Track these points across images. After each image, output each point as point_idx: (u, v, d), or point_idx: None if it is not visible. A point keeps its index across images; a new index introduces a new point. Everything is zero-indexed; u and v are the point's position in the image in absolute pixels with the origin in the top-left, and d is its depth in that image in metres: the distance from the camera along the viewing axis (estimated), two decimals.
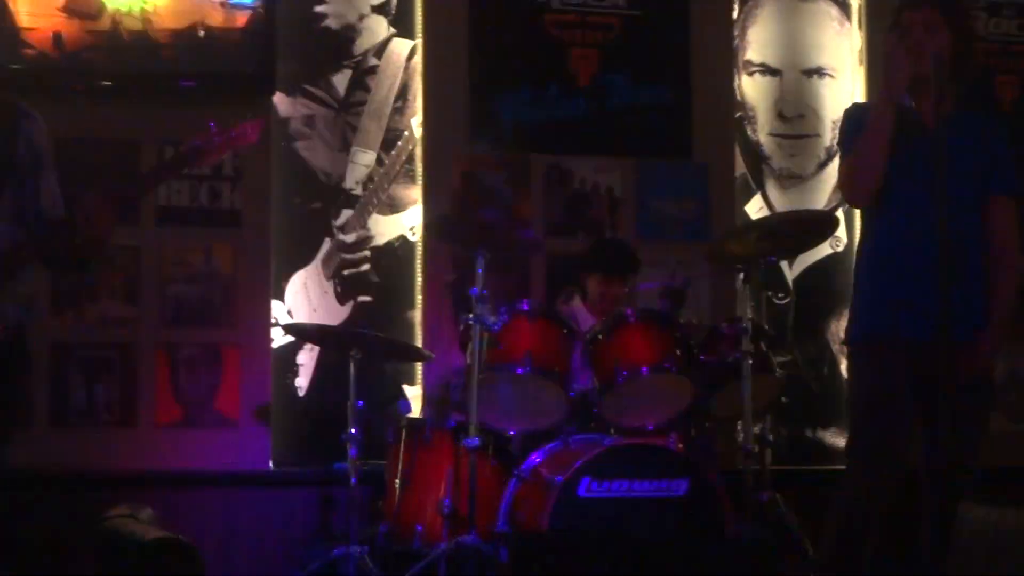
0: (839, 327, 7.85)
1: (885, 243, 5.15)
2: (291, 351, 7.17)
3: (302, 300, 7.23)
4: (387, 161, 7.37)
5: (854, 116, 5.26)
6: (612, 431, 6.33)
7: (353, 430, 6.24)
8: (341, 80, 7.36)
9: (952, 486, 4.83)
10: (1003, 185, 5.09)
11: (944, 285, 4.41)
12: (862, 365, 5.22)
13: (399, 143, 7.39)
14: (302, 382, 7.19)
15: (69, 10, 6.83)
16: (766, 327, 6.94)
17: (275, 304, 7.17)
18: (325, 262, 7.27)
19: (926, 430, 4.99)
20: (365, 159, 7.35)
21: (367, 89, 7.39)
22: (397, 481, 6.42)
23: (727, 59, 7.84)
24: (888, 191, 5.07)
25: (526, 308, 6.38)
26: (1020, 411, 7.97)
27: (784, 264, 7.68)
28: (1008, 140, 5.21)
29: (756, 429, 6.53)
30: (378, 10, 7.43)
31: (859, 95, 7.94)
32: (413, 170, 7.41)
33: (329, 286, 7.26)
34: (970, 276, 4.96)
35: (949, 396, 4.80)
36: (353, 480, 6.22)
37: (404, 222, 7.37)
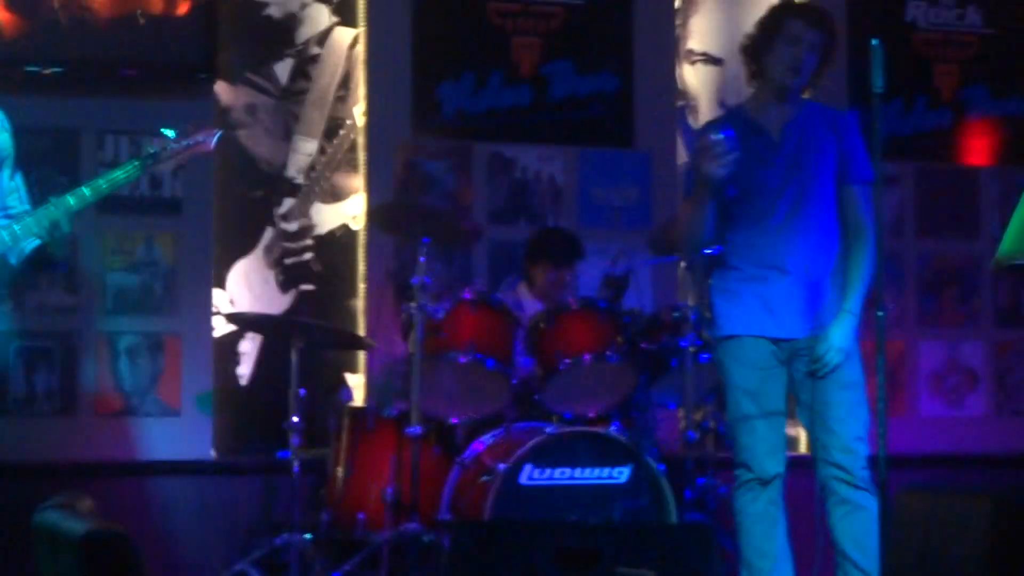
0: None
1: None
2: (233, 340, 7.14)
3: (244, 289, 7.20)
4: (329, 150, 7.35)
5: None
6: (554, 419, 6.34)
7: (295, 419, 6.23)
8: (283, 69, 7.33)
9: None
10: (854, 175, 5.20)
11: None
12: None
13: (341, 132, 7.37)
14: (244, 371, 7.17)
15: None
16: (707, 314, 6.97)
17: (217, 293, 7.14)
18: (267, 251, 7.24)
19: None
20: (307, 148, 7.32)
21: (309, 78, 7.36)
22: (340, 469, 6.41)
23: (669, 48, 7.85)
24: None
25: (468, 296, 6.38)
26: (958, 397, 8.03)
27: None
28: (858, 129, 5.30)
29: (698, 416, 6.55)
30: None
31: None
32: (355, 159, 7.39)
33: (271, 275, 7.23)
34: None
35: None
36: (296, 468, 6.21)
37: (346, 211, 7.35)
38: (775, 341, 5.15)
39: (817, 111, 5.28)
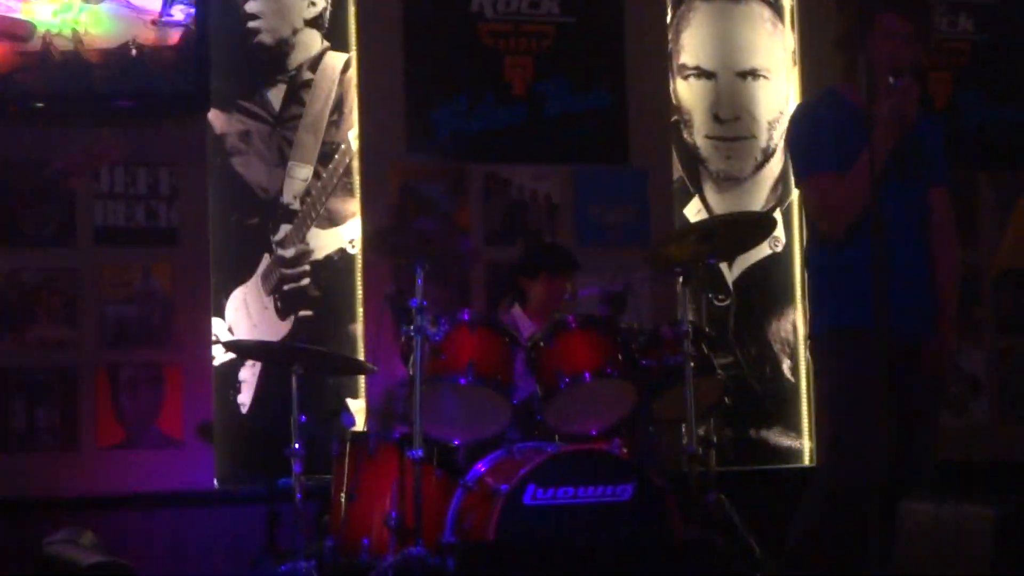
0: (780, 327, 7.89)
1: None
2: (233, 368, 7.15)
3: (242, 316, 7.20)
4: (324, 174, 7.36)
5: (817, 124, 5.25)
6: (556, 438, 6.32)
7: (297, 445, 6.21)
8: (276, 95, 7.34)
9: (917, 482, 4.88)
10: (941, 177, 5.17)
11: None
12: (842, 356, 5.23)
13: (336, 156, 7.38)
14: (245, 399, 7.17)
15: (0, 32, 6.78)
16: (707, 329, 6.97)
17: (215, 321, 7.14)
18: (265, 278, 7.24)
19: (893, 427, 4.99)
20: (302, 173, 7.33)
21: (302, 103, 7.37)
22: (343, 495, 6.40)
23: (662, 63, 7.86)
24: None
25: (467, 318, 6.37)
26: (963, 404, 8.03)
27: (724, 266, 7.70)
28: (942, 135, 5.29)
29: (700, 431, 6.54)
30: (311, 24, 7.41)
31: (794, 95, 7.98)
32: (351, 183, 7.39)
33: (269, 301, 7.23)
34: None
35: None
36: (298, 496, 6.20)
37: (343, 235, 7.36)
38: None
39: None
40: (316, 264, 7.32)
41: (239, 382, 7.16)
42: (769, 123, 7.95)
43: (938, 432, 5.10)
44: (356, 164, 7.40)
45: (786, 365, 7.89)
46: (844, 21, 5.28)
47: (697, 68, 7.95)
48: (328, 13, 7.44)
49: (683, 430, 6.37)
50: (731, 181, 7.92)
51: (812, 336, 5.40)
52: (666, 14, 7.88)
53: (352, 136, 7.41)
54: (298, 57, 7.39)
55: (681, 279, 6.44)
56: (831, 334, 5.20)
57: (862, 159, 4.93)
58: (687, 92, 7.92)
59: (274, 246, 7.27)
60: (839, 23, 5.32)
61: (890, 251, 4.98)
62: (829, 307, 5.22)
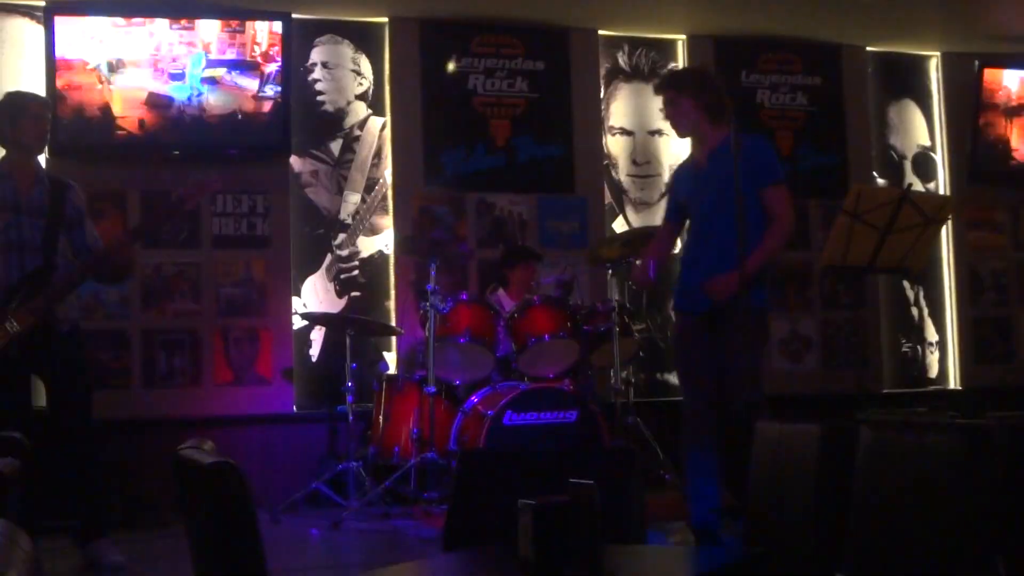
0: None
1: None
2: (306, 331, 7.13)
3: (313, 296, 7.18)
4: (368, 200, 7.34)
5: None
6: (525, 379, 6.35)
7: (349, 383, 6.25)
8: (335, 146, 7.32)
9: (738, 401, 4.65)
10: (769, 178, 4.79)
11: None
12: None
13: (376, 188, 7.36)
14: (314, 352, 7.15)
15: (149, 103, 6.75)
16: (628, 305, 6.98)
17: (295, 299, 7.12)
18: (328, 270, 7.23)
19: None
20: (353, 199, 7.31)
21: (353, 151, 7.35)
22: (381, 417, 6.42)
23: (597, 125, 7.84)
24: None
25: (465, 297, 6.39)
26: (798, 356, 8.05)
27: (638, 262, 7.68)
28: (767, 142, 5.03)
29: (623, 374, 6.56)
30: (360, 97, 7.39)
31: (685, 148, 7.96)
32: (387, 206, 7.37)
33: (331, 286, 7.22)
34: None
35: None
36: (350, 417, 6.23)
37: (381, 241, 7.34)
38: None
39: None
40: (363, 261, 7.30)
41: (311, 341, 7.14)
42: (670, 166, 7.93)
43: (747, 366, 4.64)
44: (390, 193, 7.38)
45: None
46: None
47: (621, 128, 7.95)
48: (371, 90, 7.42)
49: (611, 374, 6.40)
50: (644, 205, 7.91)
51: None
52: (600, 91, 7.87)
53: (387, 174, 7.39)
54: (350, 120, 7.37)
55: (610, 271, 6.46)
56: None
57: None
58: (614, 145, 7.91)
59: (334, 248, 7.25)
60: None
61: (692, 249, 4.96)
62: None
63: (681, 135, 5.14)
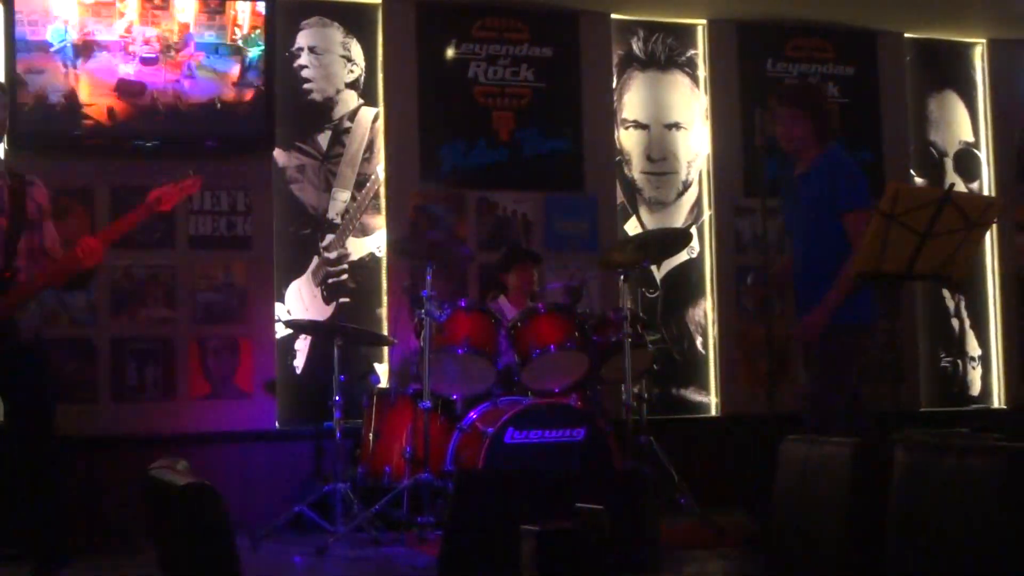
0: (695, 313, 7.89)
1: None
2: (291, 340, 7.12)
3: (298, 302, 7.18)
4: (359, 197, 7.34)
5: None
6: (529, 394, 6.34)
7: (337, 398, 6.24)
8: (324, 138, 7.32)
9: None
10: (851, 203, 5.29)
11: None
12: None
13: (368, 184, 7.36)
14: (299, 363, 7.14)
15: (119, 90, 6.75)
16: (641, 314, 6.98)
17: (278, 305, 7.12)
18: (314, 273, 7.22)
19: None
20: (342, 196, 7.31)
21: (343, 144, 7.35)
22: (371, 434, 6.42)
23: (609, 117, 7.84)
24: None
25: (463, 304, 6.39)
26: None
27: (653, 267, 7.70)
28: (856, 166, 5.48)
29: (635, 389, 6.56)
30: (350, 86, 7.39)
31: (706, 143, 7.98)
32: (378, 204, 7.37)
33: (318, 291, 7.21)
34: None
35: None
36: (338, 435, 6.23)
37: (372, 243, 7.34)
38: None
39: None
40: (352, 264, 7.30)
41: (295, 350, 7.14)
42: (688, 163, 7.95)
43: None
44: (382, 190, 7.37)
45: (699, 341, 7.89)
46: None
47: (635, 121, 7.95)
48: (363, 78, 7.42)
49: (622, 389, 6.39)
50: (659, 205, 7.91)
51: None
52: (612, 81, 7.87)
53: (380, 169, 7.39)
54: (340, 111, 7.37)
55: (622, 277, 6.46)
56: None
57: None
58: (627, 139, 7.91)
59: (321, 250, 7.25)
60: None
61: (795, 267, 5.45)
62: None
63: (785, 149, 5.53)
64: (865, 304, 5.31)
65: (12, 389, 4.98)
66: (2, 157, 5.36)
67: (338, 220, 7.29)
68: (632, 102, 7.94)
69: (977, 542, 2.37)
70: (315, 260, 7.23)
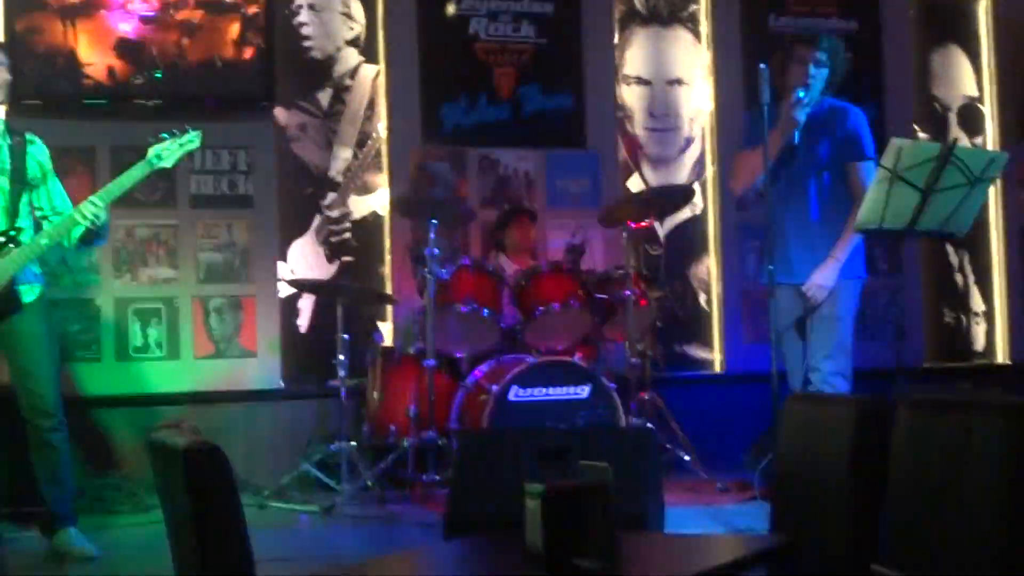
0: (698, 270, 7.89)
1: None
2: (294, 299, 7.13)
3: (301, 261, 7.18)
4: (360, 156, 7.33)
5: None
6: (533, 351, 6.36)
7: (341, 356, 6.24)
8: (324, 96, 7.30)
9: None
10: (857, 153, 5.30)
11: None
12: None
13: (369, 142, 7.35)
14: (303, 322, 7.16)
15: (118, 48, 6.73)
16: (644, 271, 6.98)
17: (280, 264, 7.12)
18: (317, 232, 7.22)
19: None
20: (344, 155, 7.30)
21: (344, 102, 7.33)
22: (375, 393, 6.43)
23: (611, 74, 7.81)
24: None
25: (466, 263, 6.40)
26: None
27: (656, 224, 7.68)
28: (863, 116, 5.43)
29: (639, 346, 6.57)
30: (350, 43, 7.36)
31: (708, 99, 7.95)
32: (380, 162, 7.36)
33: (320, 250, 7.22)
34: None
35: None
36: (343, 394, 6.23)
37: (374, 201, 7.33)
38: None
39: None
40: (355, 223, 7.29)
41: (298, 309, 7.15)
42: (690, 119, 7.93)
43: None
44: (384, 148, 7.36)
45: (702, 298, 7.90)
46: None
47: (637, 77, 7.92)
48: (363, 36, 7.39)
49: (626, 346, 6.41)
50: (662, 162, 7.90)
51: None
52: (614, 36, 7.84)
53: (381, 127, 7.37)
54: (340, 68, 7.34)
55: (625, 234, 6.45)
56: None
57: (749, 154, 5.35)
58: (629, 95, 7.88)
59: (324, 209, 7.24)
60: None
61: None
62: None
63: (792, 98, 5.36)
64: (862, 258, 5.33)
65: (17, 350, 4.99)
66: (3, 117, 5.31)
67: (340, 179, 7.28)
68: (634, 58, 7.91)
69: (982, 503, 2.38)
70: (317, 219, 7.23)
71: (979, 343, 8.44)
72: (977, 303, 8.44)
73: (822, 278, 5.19)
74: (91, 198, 4.94)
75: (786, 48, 5.44)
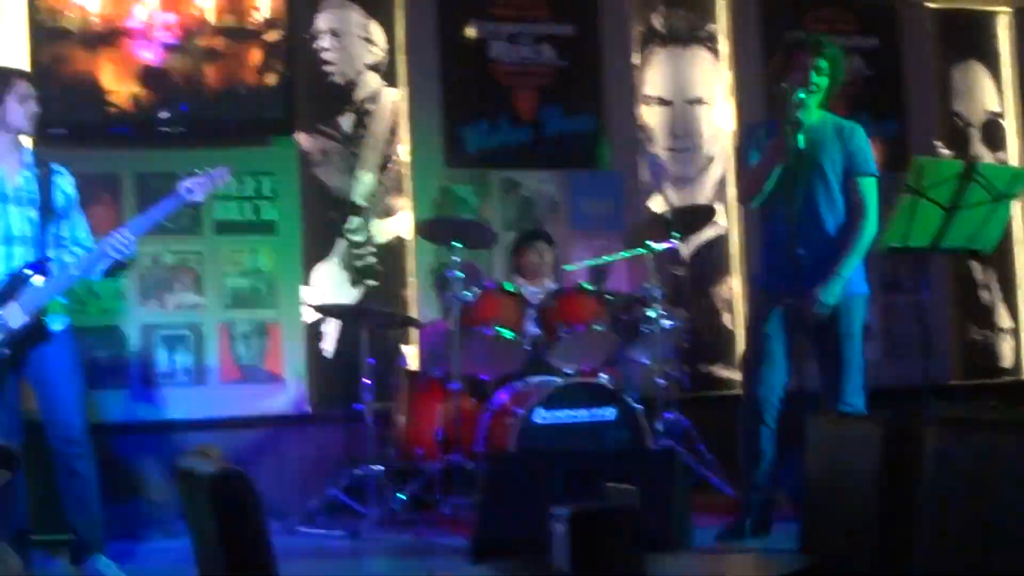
0: (721, 290, 7.87)
1: None
2: (318, 324, 7.14)
3: (325, 285, 7.20)
4: (383, 180, 7.35)
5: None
6: (558, 373, 6.34)
7: (367, 380, 6.25)
8: (347, 121, 7.32)
9: None
10: (860, 168, 5.20)
11: None
12: None
13: (391, 166, 7.36)
14: (328, 347, 7.16)
15: (142, 76, 6.77)
16: (668, 292, 6.96)
17: (305, 289, 7.14)
18: (341, 257, 7.24)
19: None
20: (367, 179, 7.32)
21: (366, 127, 7.35)
22: (401, 417, 6.44)
23: (631, 94, 7.82)
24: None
25: (490, 285, 6.40)
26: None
27: (680, 244, 7.66)
28: (863, 132, 5.30)
29: (665, 367, 6.56)
30: (372, 68, 7.39)
31: (729, 118, 7.95)
32: (403, 186, 7.38)
33: (344, 275, 7.23)
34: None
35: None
36: (369, 418, 6.24)
37: (398, 225, 7.34)
38: None
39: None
40: (379, 246, 7.30)
41: (323, 334, 7.16)
42: (710, 139, 7.93)
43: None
44: (407, 172, 7.38)
45: (726, 318, 7.89)
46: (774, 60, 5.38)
47: (657, 97, 7.92)
48: (384, 60, 7.42)
49: (652, 367, 6.39)
50: (684, 181, 7.90)
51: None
52: (633, 57, 7.84)
53: (403, 151, 7.40)
54: (362, 93, 7.37)
55: (649, 255, 6.45)
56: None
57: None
58: (650, 115, 7.88)
59: (347, 233, 7.26)
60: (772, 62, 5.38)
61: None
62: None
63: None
64: (864, 273, 5.30)
65: (44, 379, 5.02)
66: (31, 148, 5.35)
67: (363, 203, 7.29)
68: (654, 78, 7.92)
69: (1012, 522, 2.37)
70: (341, 244, 7.25)
71: (1006, 360, 8.40)
72: (1004, 320, 8.40)
73: (826, 295, 5.11)
74: (122, 230, 4.97)
75: (786, 52, 5.38)
